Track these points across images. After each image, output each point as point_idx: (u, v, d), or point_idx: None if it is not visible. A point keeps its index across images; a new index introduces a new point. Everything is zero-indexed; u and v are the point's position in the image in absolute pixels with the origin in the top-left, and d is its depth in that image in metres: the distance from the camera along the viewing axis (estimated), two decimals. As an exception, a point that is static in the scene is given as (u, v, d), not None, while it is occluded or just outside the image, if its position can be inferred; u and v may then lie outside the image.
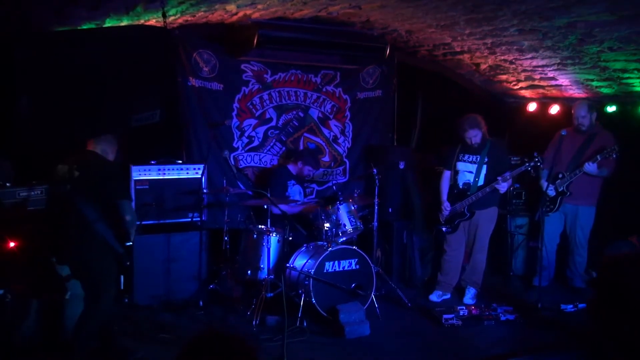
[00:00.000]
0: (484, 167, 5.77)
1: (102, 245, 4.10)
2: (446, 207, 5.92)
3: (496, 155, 5.81)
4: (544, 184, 6.07)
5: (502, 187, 5.70)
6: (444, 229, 5.96)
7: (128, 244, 4.21)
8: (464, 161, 5.87)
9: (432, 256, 6.65)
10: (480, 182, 5.77)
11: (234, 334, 1.66)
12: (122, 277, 4.43)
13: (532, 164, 5.63)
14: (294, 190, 6.31)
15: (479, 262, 5.97)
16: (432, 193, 6.18)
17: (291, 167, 6.37)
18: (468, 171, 5.84)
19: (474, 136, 5.73)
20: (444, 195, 5.98)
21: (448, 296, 6.04)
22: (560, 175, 6.01)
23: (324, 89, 6.95)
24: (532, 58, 5.88)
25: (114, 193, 4.18)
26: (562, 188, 6.01)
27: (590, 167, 5.80)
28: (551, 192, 5.99)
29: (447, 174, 6.01)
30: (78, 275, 4.26)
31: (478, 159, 5.79)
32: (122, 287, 4.34)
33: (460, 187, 5.88)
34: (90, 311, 4.14)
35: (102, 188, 4.13)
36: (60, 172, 4.20)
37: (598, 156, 5.74)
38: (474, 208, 5.80)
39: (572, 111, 6.06)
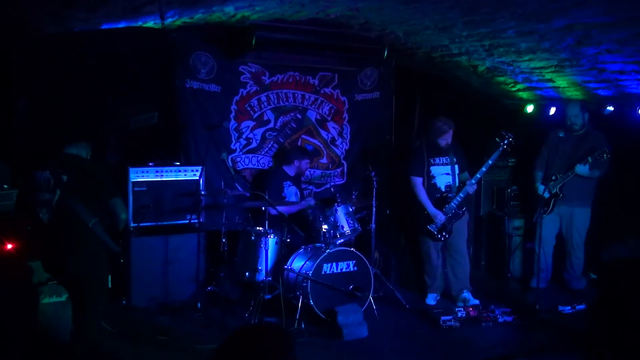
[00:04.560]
0: (456, 166, 5.85)
1: (98, 247, 4.08)
2: (441, 218, 5.72)
3: (459, 155, 5.91)
4: (539, 186, 6.08)
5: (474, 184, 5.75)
6: (441, 237, 5.79)
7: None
8: (437, 165, 5.84)
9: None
10: (457, 181, 5.83)
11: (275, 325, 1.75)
12: (109, 276, 4.43)
13: (505, 141, 5.62)
14: (290, 192, 6.30)
15: (466, 264, 6.00)
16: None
17: (287, 168, 6.36)
18: (445, 173, 5.85)
19: (450, 137, 5.75)
20: (432, 206, 5.74)
21: (439, 297, 6.07)
22: (553, 177, 6.00)
23: (322, 91, 6.94)
24: (529, 60, 5.88)
25: (108, 192, 4.18)
26: (555, 190, 6.00)
27: (581, 169, 5.81)
28: (545, 194, 5.97)
29: (420, 181, 5.81)
30: (77, 280, 4.17)
31: (449, 159, 5.83)
32: (110, 286, 4.34)
33: (443, 190, 5.84)
34: (90, 314, 4.12)
35: (96, 188, 4.12)
36: (41, 179, 4.02)
37: (589, 158, 5.75)
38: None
39: (566, 111, 6.08)
